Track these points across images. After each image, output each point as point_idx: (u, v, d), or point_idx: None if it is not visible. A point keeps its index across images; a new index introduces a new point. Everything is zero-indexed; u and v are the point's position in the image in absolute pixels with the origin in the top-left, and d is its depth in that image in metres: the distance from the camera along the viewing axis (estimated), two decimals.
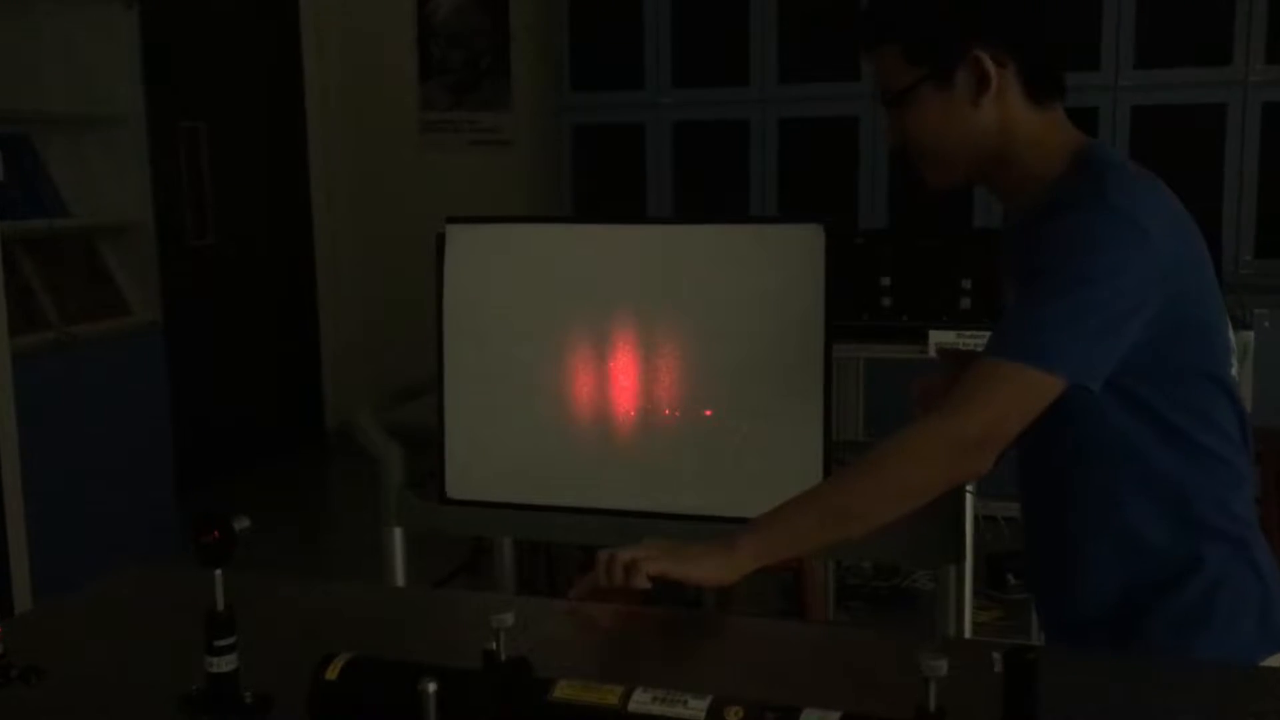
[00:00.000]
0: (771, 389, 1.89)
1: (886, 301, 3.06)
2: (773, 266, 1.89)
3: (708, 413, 1.91)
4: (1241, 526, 1.51)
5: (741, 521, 1.88)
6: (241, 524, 1.19)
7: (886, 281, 3.05)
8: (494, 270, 2.01)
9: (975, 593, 1.99)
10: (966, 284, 2.98)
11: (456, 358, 2.02)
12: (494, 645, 1.06)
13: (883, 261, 3.06)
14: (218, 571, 1.17)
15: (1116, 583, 1.53)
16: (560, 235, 2.09)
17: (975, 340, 2.86)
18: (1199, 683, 1.30)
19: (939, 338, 2.90)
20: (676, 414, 1.93)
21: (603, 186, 5.34)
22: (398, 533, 2.10)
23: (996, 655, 1.00)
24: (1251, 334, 2.84)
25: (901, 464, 1.43)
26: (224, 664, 1.17)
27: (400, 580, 2.11)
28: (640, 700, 1.04)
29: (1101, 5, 4.52)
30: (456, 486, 2.04)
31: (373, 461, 2.11)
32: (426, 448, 2.06)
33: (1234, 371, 1.53)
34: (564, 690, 1.07)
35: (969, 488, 1.81)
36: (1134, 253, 1.39)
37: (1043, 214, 1.46)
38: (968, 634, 1.97)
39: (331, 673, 1.12)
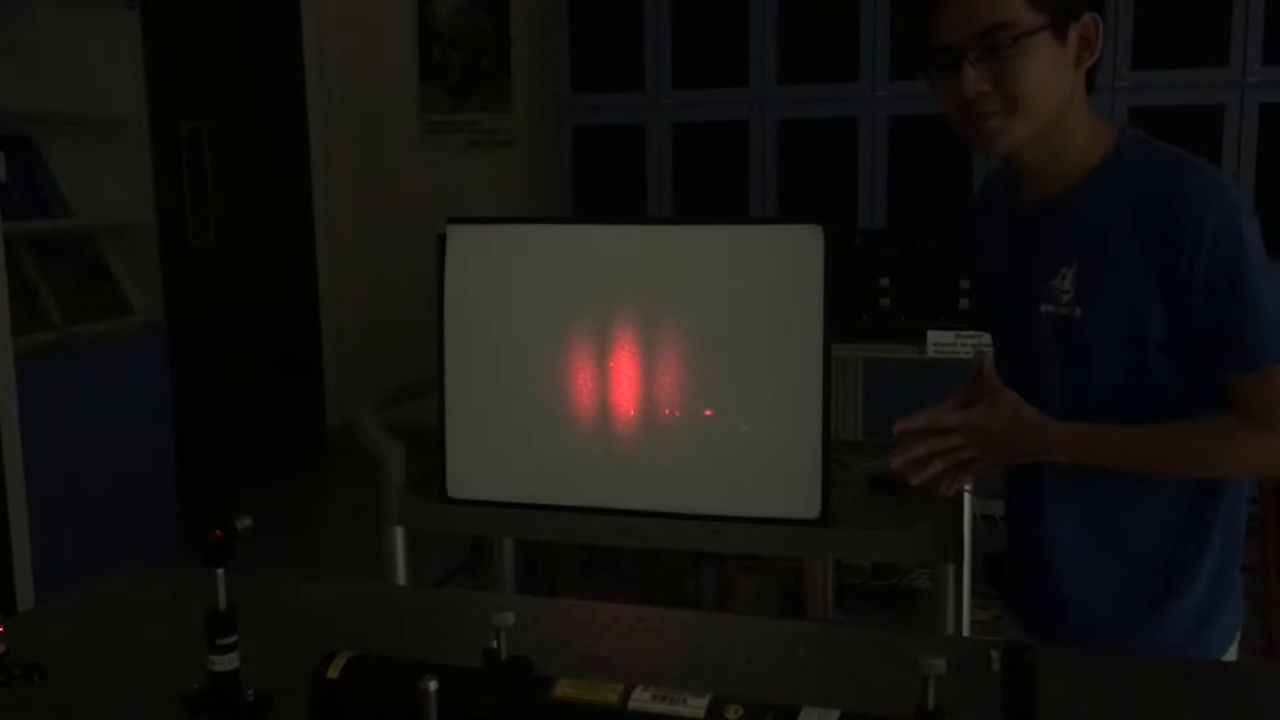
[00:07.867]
0: (771, 389, 1.89)
1: (885, 302, 3.07)
2: (772, 266, 1.89)
3: (708, 413, 1.91)
4: (1238, 536, 1.53)
5: (742, 521, 1.90)
6: (244, 523, 1.19)
7: (885, 282, 3.06)
8: (494, 270, 2.01)
9: (974, 592, 2.00)
10: (964, 285, 2.98)
11: (456, 358, 2.02)
12: (495, 644, 1.07)
13: (881, 262, 3.07)
14: (219, 570, 1.18)
15: (1111, 588, 1.54)
16: (560, 235, 2.09)
17: (973, 340, 2.86)
18: (1199, 683, 1.31)
19: (937, 338, 2.91)
20: (676, 414, 1.93)
21: (603, 186, 5.34)
22: (398, 532, 2.10)
23: (995, 654, 1.01)
24: None
25: (1219, 465, 1.49)
26: (225, 663, 1.17)
27: (401, 579, 2.11)
28: (640, 699, 1.04)
29: None
30: (456, 486, 2.04)
31: (373, 461, 2.12)
32: (426, 448, 2.07)
33: None
34: (564, 689, 1.07)
35: (967, 487, 1.82)
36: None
37: (1139, 197, 1.45)
38: (966, 633, 1.98)
39: (333, 671, 1.12)
